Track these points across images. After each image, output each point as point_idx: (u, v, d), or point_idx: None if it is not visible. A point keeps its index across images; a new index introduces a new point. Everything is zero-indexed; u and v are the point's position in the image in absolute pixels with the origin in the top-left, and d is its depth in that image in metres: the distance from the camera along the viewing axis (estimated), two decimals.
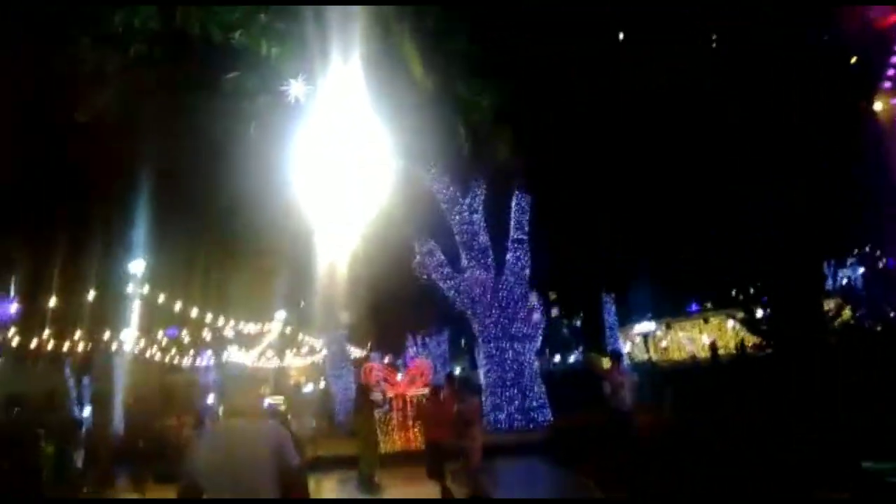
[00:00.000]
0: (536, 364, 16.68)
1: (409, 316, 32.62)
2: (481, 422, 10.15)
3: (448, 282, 16.91)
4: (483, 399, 16.19)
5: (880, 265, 38.68)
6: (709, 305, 51.79)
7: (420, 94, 16.99)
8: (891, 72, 3.98)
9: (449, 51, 16.17)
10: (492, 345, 16.09)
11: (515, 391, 15.74)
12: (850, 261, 35.75)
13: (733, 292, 50.57)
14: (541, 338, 16.44)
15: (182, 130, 16.08)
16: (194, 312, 25.70)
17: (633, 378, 11.23)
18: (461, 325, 33.98)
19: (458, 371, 31.97)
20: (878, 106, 4.10)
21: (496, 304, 16.10)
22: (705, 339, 47.99)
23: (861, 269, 35.59)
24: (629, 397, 10.90)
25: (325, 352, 31.97)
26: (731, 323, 48.41)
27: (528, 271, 16.35)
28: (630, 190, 26.72)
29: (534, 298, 16.32)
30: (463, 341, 40.14)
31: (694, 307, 50.04)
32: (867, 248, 35.49)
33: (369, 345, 37.14)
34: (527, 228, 16.54)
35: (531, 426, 15.42)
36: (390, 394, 14.69)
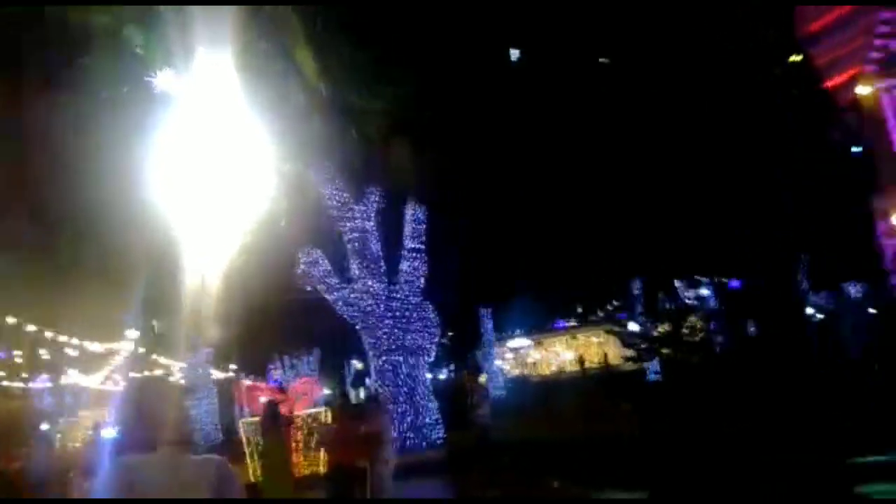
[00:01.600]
0: (429, 379, 15.94)
1: (280, 335, 30.77)
2: (391, 442, 9.23)
3: (336, 293, 15.79)
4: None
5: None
6: (574, 323, 54.05)
7: (312, 97, 15.93)
8: (874, 54, 3.89)
9: (339, 56, 15.32)
10: (384, 358, 15.14)
11: (408, 408, 14.87)
12: (703, 280, 38.40)
13: (597, 310, 53.11)
14: (435, 350, 15.73)
15: (23, 124, 13.91)
16: (30, 328, 22.41)
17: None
18: (334, 344, 32.68)
19: (327, 392, 30.39)
20: (861, 90, 3.99)
21: (389, 315, 15.20)
22: (569, 355, 49.84)
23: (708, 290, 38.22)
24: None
25: (180, 374, 29.29)
26: (595, 339, 50.81)
27: (423, 281, 15.63)
28: (514, 205, 27.04)
29: (429, 309, 15.59)
30: (351, 360, 38.66)
31: (560, 324, 51.99)
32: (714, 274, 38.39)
33: (231, 366, 34.58)
34: (423, 238, 15.84)
35: (424, 445, 14.60)
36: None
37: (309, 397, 14.03)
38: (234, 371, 33.74)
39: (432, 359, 15.73)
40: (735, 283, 42.18)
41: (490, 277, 31.87)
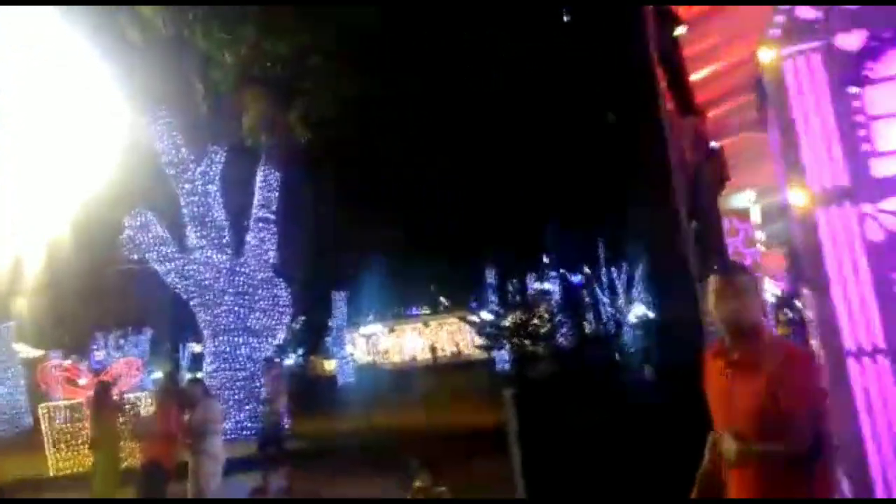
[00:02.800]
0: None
1: (102, 310, 27.61)
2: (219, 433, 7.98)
3: (168, 263, 13.97)
4: None
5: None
6: (427, 311, 54.02)
7: (154, 37, 13.92)
8: (780, 17, 3.53)
9: None
10: (221, 338, 13.58)
11: (248, 395, 13.46)
12: (550, 273, 39.66)
13: (449, 299, 53.40)
14: (282, 332, 14.40)
15: None
16: None
17: None
18: (170, 324, 29.88)
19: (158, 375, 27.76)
20: (764, 56, 3.64)
21: (231, 291, 13.66)
22: (421, 343, 49.75)
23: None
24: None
25: None
26: (447, 327, 51.10)
27: (272, 255, 14.22)
28: (372, 183, 25.88)
29: (280, 286, 14.21)
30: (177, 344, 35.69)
31: (414, 311, 51.64)
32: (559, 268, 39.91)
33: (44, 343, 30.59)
34: (273, 207, 14.40)
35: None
36: (71, 398, 11.50)
37: (126, 380, 12.22)
38: (49, 350, 29.86)
39: (278, 341, 14.39)
40: (577, 279, 44.23)
41: (344, 259, 30.64)
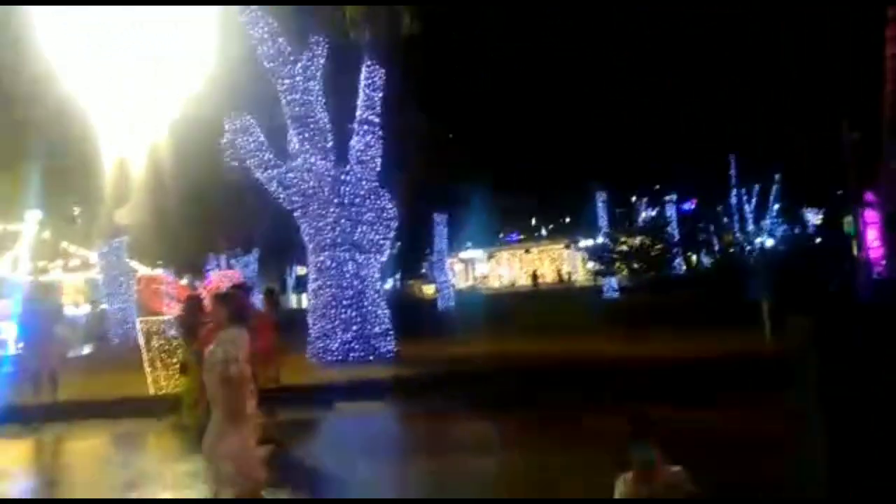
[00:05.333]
0: (380, 282, 13.32)
1: (213, 227, 27.45)
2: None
3: (270, 171, 12.80)
4: (310, 323, 12.63)
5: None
6: (525, 236, 52.13)
7: None
8: None
9: None
10: (326, 254, 12.37)
11: (354, 314, 12.29)
12: (666, 199, 36.70)
13: (550, 225, 51.29)
14: (389, 248, 13.02)
15: None
16: None
17: None
18: (274, 243, 29.67)
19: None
20: None
21: (335, 202, 12.34)
22: (520, 269, 48.15)
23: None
24: None
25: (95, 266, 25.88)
26: (548, 254, 49.18)
27: (379, 161, 12.70)
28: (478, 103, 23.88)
29: (386, 197, 12.74)
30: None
31: (513, 237, 49.90)
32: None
33: (159, 262, 31.21)
34: (379, 110, 12.76)
35: (371, 358, 12.17)
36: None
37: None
38: (163, 268, 30.45)
39: (385, 258, 13.06)
40: (688, 206, 40.99)
41: (447, 179, 28.96)
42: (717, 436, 6.21)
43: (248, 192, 16.72)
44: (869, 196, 16.34)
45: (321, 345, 12.25)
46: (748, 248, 32.30)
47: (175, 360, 9.38)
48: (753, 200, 35.11)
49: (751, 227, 34.88)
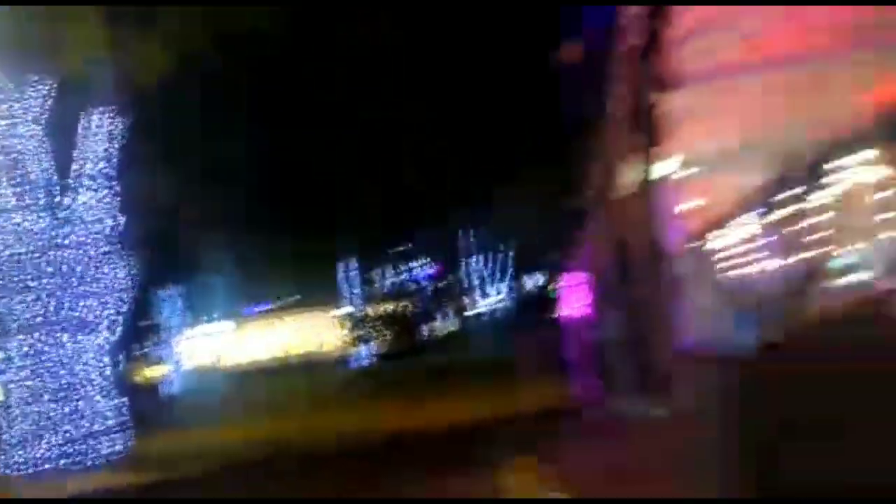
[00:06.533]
0: (108, 367, 11.01)
1: None
2: None
3: None
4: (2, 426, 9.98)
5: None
6: (274, 305, 49.83)
7: None
8: None
9: None
10: (22, 338, 9.95)
11: (64, 410, 9.93)
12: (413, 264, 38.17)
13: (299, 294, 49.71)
14: (120, 325, 10.88)
15: None
16: None
17: None
18: None
19: None
20: None
21: (49, 271, 10.02)
22: (271, 341, 45.66)
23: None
24: None
25: None
26: (299, 323, 47.32)
27: (111, 224, 10.64)
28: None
29: (120, 266, 10.67)
30: None
31: (261, 307, 47.32)
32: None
33: None
34: (115, 162, 10.80)
35: (90, 462, 9.91)
36: None
37: None
38: None
39: (115, 337, 10.90)
40: (431, 272, 43.31)
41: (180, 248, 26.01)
42: None
43: None
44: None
45: (21, 454, 9.65)
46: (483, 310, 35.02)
47: None
48: (489, 266, 38.37)
49: (490, 290, 38.01)
